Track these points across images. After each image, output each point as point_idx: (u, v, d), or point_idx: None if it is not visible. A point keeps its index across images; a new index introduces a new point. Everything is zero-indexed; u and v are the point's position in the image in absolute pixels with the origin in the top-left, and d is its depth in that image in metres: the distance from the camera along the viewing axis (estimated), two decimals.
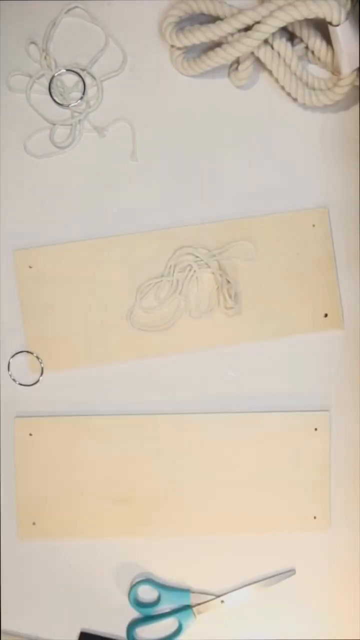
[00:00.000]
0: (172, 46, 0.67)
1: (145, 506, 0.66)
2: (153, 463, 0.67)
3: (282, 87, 0.68)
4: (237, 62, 0.67)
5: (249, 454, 0.67)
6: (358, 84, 0.66)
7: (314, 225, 0.68)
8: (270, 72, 0.67)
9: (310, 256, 0.68)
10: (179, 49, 0.67)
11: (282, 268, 0.67)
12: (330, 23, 0.62)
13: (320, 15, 0.61)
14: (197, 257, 0.67)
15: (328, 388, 0.68)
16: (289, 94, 0.68)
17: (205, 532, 0.67)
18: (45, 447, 0.67)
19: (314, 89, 0.67)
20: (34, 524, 0.66)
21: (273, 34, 0.64)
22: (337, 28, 0.62)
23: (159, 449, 0.67)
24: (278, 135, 0.69)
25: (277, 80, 0.68)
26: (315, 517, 0.67)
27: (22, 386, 0.67)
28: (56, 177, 0.69)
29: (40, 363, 0.67)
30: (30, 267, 0.67)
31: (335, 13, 0.61)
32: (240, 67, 0.67)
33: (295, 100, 0.68)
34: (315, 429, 0.67)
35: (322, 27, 0.66)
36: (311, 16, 0.61)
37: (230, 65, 0.68)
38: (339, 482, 0.67)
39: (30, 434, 0.67)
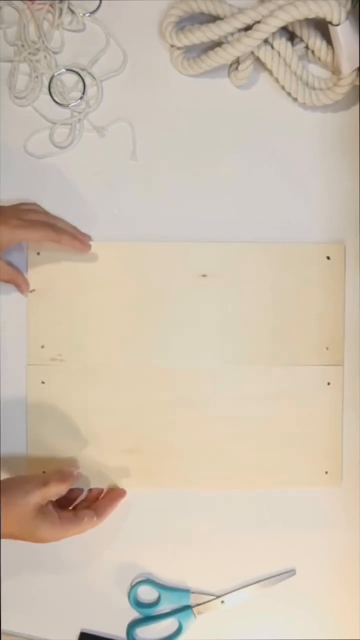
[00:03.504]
0: (172, 46, 0.67)
1: (156, 457, 0.67)
2: (165, 414, 0.67)
3: (282, 87, 0.68)
4: (237, 62, 0.67)
5: (262, 407, 0.67)
6: (358, 83, 0.66)
7: (328, 258, 0.68)
8: (270, 72, 0.67)
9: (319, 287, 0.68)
10: (179, 49, 0.67)
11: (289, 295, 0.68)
12: (331, 23, 0.62)
13: (321, 14, 0.61)
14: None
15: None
16: (289, 94, 0.68)
17: (216, 485, 0.67)
18: (57, 395, 0.67)
19: (314, 88, 0.67)
20: (44, 472, 0.66)
21: (273, 34, 0.64)
22: (337, 28, 0.62)
23: (172, 400, 0.67)
24: (278, 135, 0.69)
25: (277, 80, 0.68)
26: (326, 473, 0.67)
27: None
28: (56, 177, 0.68)
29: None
30: (38, 253, 0.67)
31: (336, 13, 0.61)
32: (240, 67, 0.67)
33: (295, 100, 0.68)
34: (329, 383, 0.67)
35: (322, 27, 0.66)
36: (311, 16, 0.61)
37: (230, 65, 0.68)
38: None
39: (43, 382, 0.67)
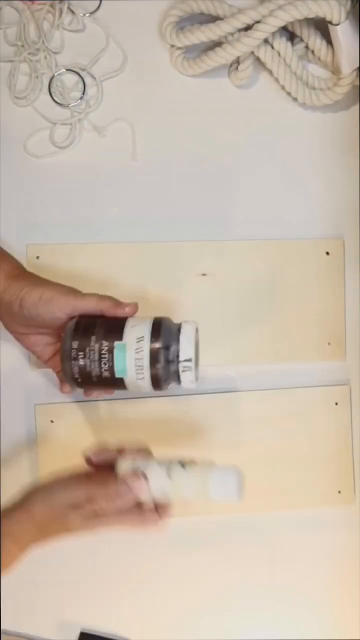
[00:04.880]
0: (172, 46, 0.67)
1: None
2: (174, 445, 0.67)
3: (282, 87, 0.68)
4: (237, 62, 0.67)
5: (271, 431, 0.67)
6: (358, 83, 0.66)
7: (327, 253, 0.68)
8: (270, 72, 0.67)
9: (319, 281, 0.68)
10: (179, 49, 0.67)
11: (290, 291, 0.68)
12: (330, 22, 0.62)
13: (320, 14, 0.61)
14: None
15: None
16: (289, 94, 0.68)
17: (228, 510, 0.67)
18: (66, 434, 0.67)
19: (314, 88, 0.67)
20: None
21: (273, 34, 0.64)
22: (337, 27, 0.62)
23: (179, 430, 0.67)
24: (278, 135, 0.69)
25: (277, 80, 0.68)
26: (339, 492, 0.67)
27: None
28: (56, 177, 0.68)
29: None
30: (37, 257, 0.67)
31: (335, 12, 0.61)
32: (240, 67, 0.67)
33: (295, 100, 0.68)
34: (336, 403, 0.67)
35: (322, 27, 0.66)
36: (311, 15, 0.61)
37: (230, 65, 0.68)
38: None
39: (52, 421, 0.67)
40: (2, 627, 0.66)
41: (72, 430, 0.67)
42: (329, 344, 0.68)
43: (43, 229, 0.68)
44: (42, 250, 0.67)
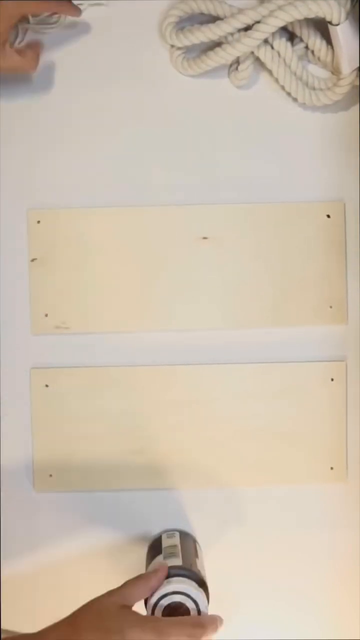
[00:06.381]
0: (172, 46, 0.67)
1: (162, 458, 0.67)
2: (169, 414, 0.67)
3: (282, 87, 0.68)
4: (237, 62, 0.67)
5: (266, 405, 0.67)
6: (358, 83, 0.66)
7: (328, 216, 0.68)
8: (270, 72, 0.67)
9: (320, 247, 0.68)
10: (179, 49, 0.67)
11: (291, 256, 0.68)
12: (330, 22, 0.62)
13: (320, 14, 0.61)
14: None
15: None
16: (289, 94, 0.68)
17: (221, 483, 0.67)
18: (61, 399, 0.67)
19: (314, 88, 0.67)
20: (50, 476, 0.67)
21: (273, 34, 0.64)
22: (337, 27, 0.62)
23: (175, 399, 0.67)
24: (278, 135, 0.69)
25: (277, 80, 0.68)
26: (332, 468, 0.67)
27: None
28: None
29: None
30: (38, 221, 0.67)
31: (335, 12, 0.61)
32: (240, 67, 0.67)
33: (295, 100, 0.68)
34: (332, 379, 0.67)
35: (322, 27, 0.66)
36: (311, 16, 0.61)
37: (230, 65, 0.68)
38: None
39: (47, 385, 0.67)
40: (2, 627, 0.66)
41: (67, 395, 0.67)
42: (330, 307, 0.68)
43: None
44: (42, 215, 0.67)
